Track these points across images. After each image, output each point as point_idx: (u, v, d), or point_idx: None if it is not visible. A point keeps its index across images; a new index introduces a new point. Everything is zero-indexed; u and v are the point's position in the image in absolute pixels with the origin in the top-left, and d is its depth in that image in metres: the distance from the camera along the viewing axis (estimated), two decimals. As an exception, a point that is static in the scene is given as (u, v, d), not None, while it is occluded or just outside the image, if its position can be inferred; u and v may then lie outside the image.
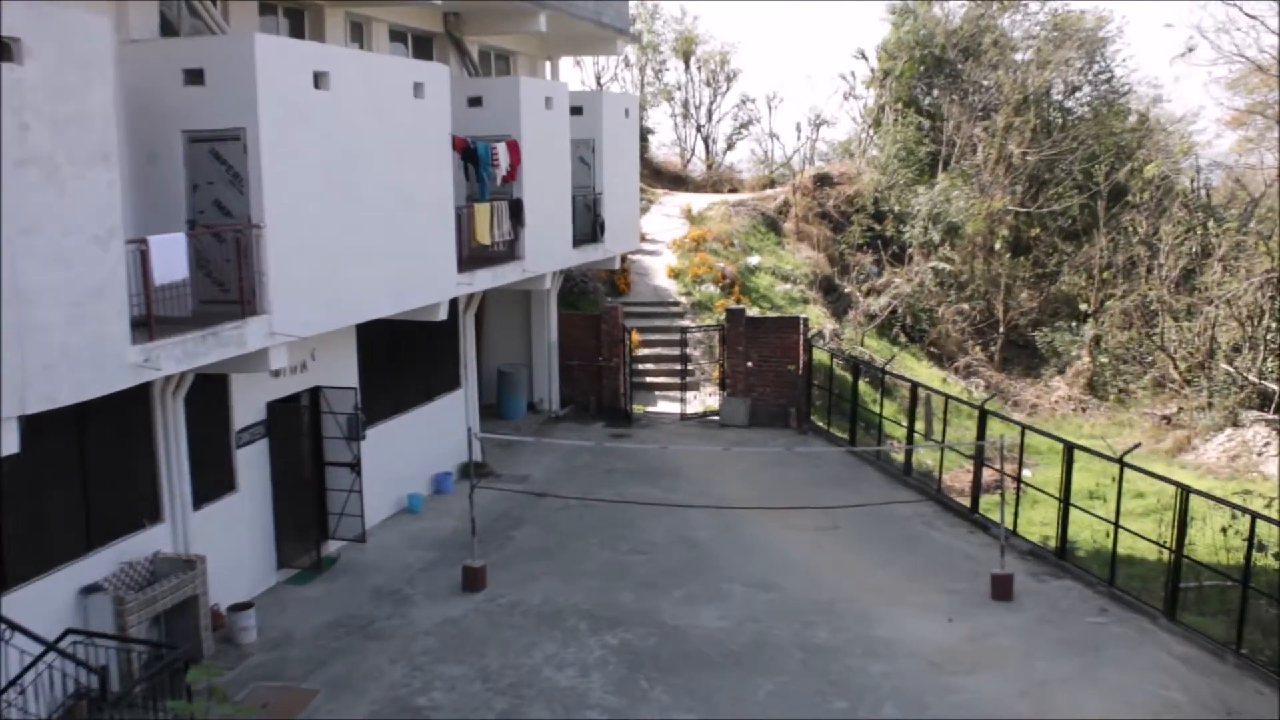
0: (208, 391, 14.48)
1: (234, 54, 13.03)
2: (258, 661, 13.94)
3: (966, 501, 20.15)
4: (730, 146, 52.89)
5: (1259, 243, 34.83)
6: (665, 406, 26.97)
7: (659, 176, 47.01)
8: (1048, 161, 40.81)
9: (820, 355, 26.58)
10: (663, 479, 21.58)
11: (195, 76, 13.08)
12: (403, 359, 19.65)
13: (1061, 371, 36.61)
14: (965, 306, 38.64)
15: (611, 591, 16.25)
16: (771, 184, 46.64)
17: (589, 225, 24.65)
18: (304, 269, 14.04)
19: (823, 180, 42.24)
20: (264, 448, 15.84)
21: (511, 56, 25.17)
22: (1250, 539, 14.49)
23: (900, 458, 22.56)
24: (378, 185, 15.77)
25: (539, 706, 12.94)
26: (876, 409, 24.37)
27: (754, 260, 34.37)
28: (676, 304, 30.62)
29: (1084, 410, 34.34)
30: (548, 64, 26.79)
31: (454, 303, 19.91)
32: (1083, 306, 38.24)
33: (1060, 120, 43.14)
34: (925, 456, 24.37)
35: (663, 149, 52.59)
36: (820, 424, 25.28)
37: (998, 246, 39.38)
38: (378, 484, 18.16)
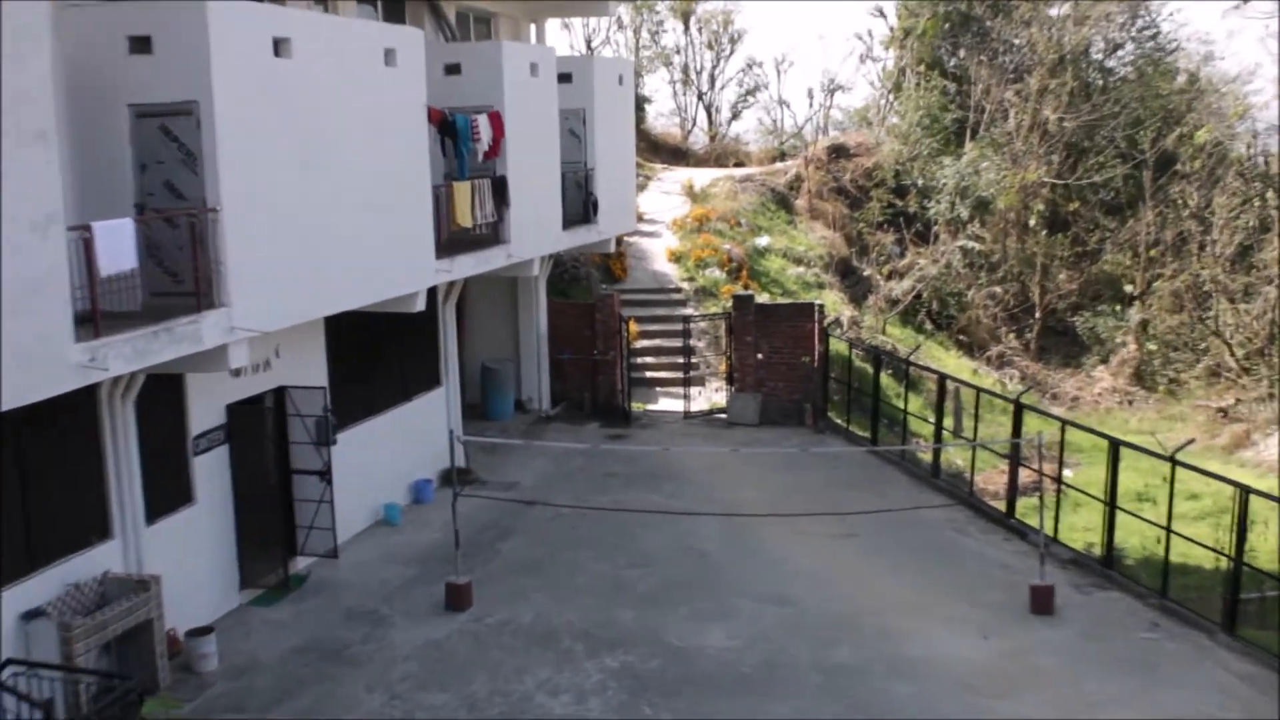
0: (161, 393, 14.44)
1: (184, 18, 12.95)
2: (220, 692, 13.93)
3: (1001, 505, 20.15)
4: (735, 116, 52.99)
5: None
6: (667, 404, 26.95)
7: (657, 150, 47.00)
8: (1087, 128, 40.74)
9: (838, 345, 26.57)
10: (665, 484, 21.58)
11: (141, 44, 13.02)
12: (377, 355, 19.62)
13: (1105, 360, 36.63)
14: (997, 290, 38.66)
15: (610, 609, 16.24)
16: (781, 157, 46.63)
17: (580, 205, 24.60)
18: (266, 257, 14.00)
19: (838, 152, 42.21)
20: (224, 455, 15.81)
21: (492, 19, 25.13)
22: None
23: (927, 458, 22.55)
24: (346, 163, 15.73)
25: (531, 737, 12.95)
26: (900, 404, 24.36)
27: (763, 241, 34.36)
28: (678, 290, 30.59)
29: (1130, 403, 34.37)
30: (533, 27, 26.74)
31: (432, 292, 19.89)
32: (1128, 288, 38.26)
33: (1101, 82, 43.07)
34: (955, 456, 24.37)
35: (661, 119, 52.64)
36: (838, 421, 25.26)
37: (1033, 223, 39.39)
38: (351, 493, 18.14)
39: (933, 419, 22.19)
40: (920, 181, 40.01)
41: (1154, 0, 44.17)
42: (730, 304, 26.87)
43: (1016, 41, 43.01)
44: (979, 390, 23.20)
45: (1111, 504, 17.22)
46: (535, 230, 21.95)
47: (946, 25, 44.05)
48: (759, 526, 19.00)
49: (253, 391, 16.34)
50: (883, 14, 46.79)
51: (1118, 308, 37.66)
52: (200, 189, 13.14)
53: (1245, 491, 15.06)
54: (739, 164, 46.09)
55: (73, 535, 13.32)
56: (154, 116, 13.11)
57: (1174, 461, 16.14)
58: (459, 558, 16.46)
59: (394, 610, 16.22)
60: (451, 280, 20.11)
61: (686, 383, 26.63)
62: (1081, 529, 19.45)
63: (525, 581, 17.18)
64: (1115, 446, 17.25)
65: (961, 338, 37.28)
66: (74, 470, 13.37)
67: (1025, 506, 19.76)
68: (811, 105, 59.25)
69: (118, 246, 12.07)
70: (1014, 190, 38.72)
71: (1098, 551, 17.77)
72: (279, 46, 14.13)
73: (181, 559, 14.78)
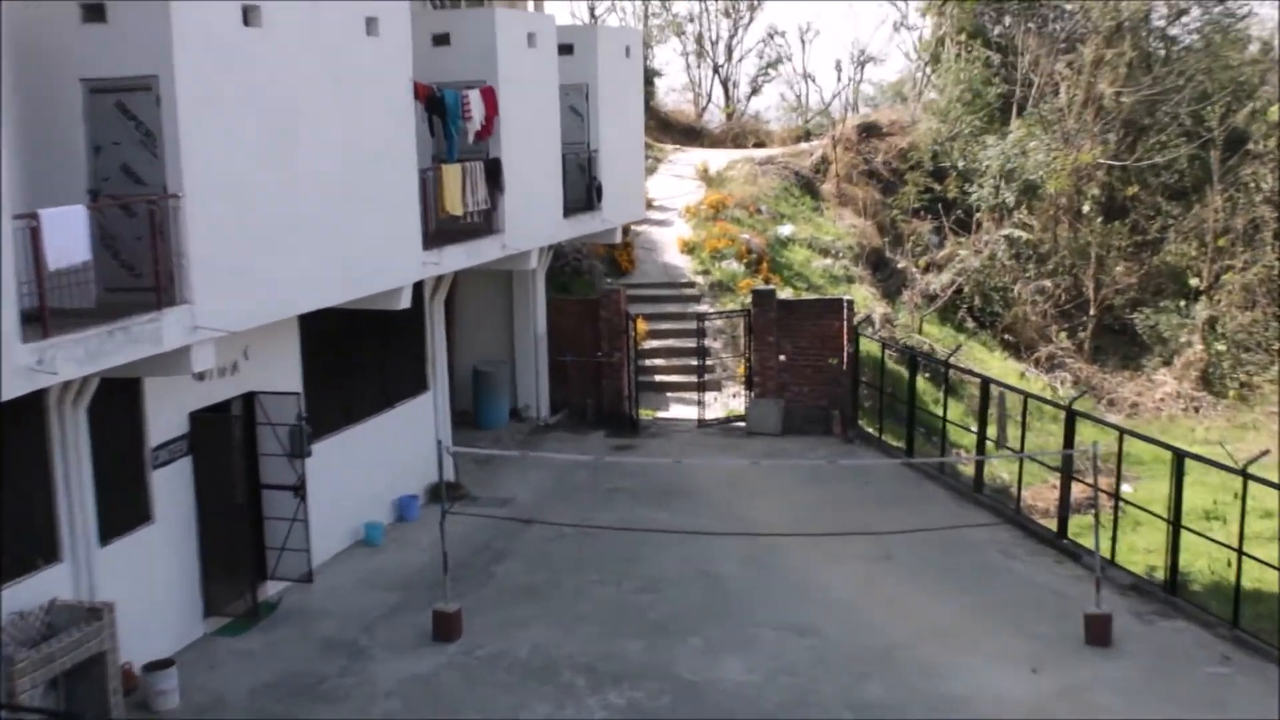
0: (116, 400, 14.42)
1: (142, -17, 12.99)
2: (182, 731, 13.93)
3: (1052, 524, 20.09)
4: (755, 91, 52.98)
5: None
6: (679, 411, 26.92)
7: (668, 129, 47.01)
8: (1148, 103, 40.59)
9: (869, 346, 26.53)
10: (677, 500, 21.54)
11: (94, 13, 13.01)
12: (357, 358, 19.61)
13: (1168, 362, 36.51)
14: (1047, 284, 38.55)
15: (615, 639, 16.21)
16: (806, 136, 46.63)
17: (583, 190, 24.59)
18: (234, 248, 13.99)
19: (869, 131, 42.18)
20: (187, 468, 15.79)
21: (485, -17, 25.16)
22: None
23: (969, 471, 22.50)
24: (324, 144, 15.71)
25: (528, 783, 12.92)
26: (939, 411, 24.31)
27: (786, 230, 34.34)
28: (691, 285, 30.58)
29: (1197, 410, 34.25)
30: (530, -9, 26.77)
31: (419, 287, 19.86)
32: (1193, 282, 38.10)
33: (1163, 52, 42.95)
34: (1000, 469, 24.31)
35: (672, 95, 52.69)
36: (870, 431, 25.21)
37: (1086, 209, 39.27)
38: (327, 511, 18.11)
39: (975, 428, 22.15)
40: (961, 163, 39.91)
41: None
42: (749, 300, 26.83)
43: (1068, 7, 42.92)
44: (1027, 396, 23.11)
45: (1176, 523, 17.15)
46: (533, 218, 21.92)
47: (990, -11, 44.01)
48: (781, 548, 18.95)
49: (219, 398, 16.30)
50: (919, -23, 46.78)
51: (1182, 303, 37.49)
52: (161, 173, 13.12)
53: (1326, 509, 15.01)
54: (759, 144, 46.07)
55: (16, 558, 13.27)
56: (109, 92, 13.11)
57: (1246, 475, 16.07)
58: (448, 582, 16.42)
59: (375, 641, 16.19)
60: (440, 274, 20.08)
61: (701, 387, 26.60)
62: (1142, 550, 19.40)
63: (522, 609, 17.15)
64: (1180, 458, 17.18)
65: (1007, 337, 37.19)
66: (18, 485, 13.33)
67: (1079, 525, 19.71)
68: (839, 79, 59.03)
69: (68, 237, 12.05)
70: (1065, 173, 38.59)
71: (1160, 576, 17.70)
72: (248, 14, 14.11)
73: (138, 584, 14.75)
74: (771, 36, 51.84)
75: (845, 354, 25.46)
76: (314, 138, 15.51)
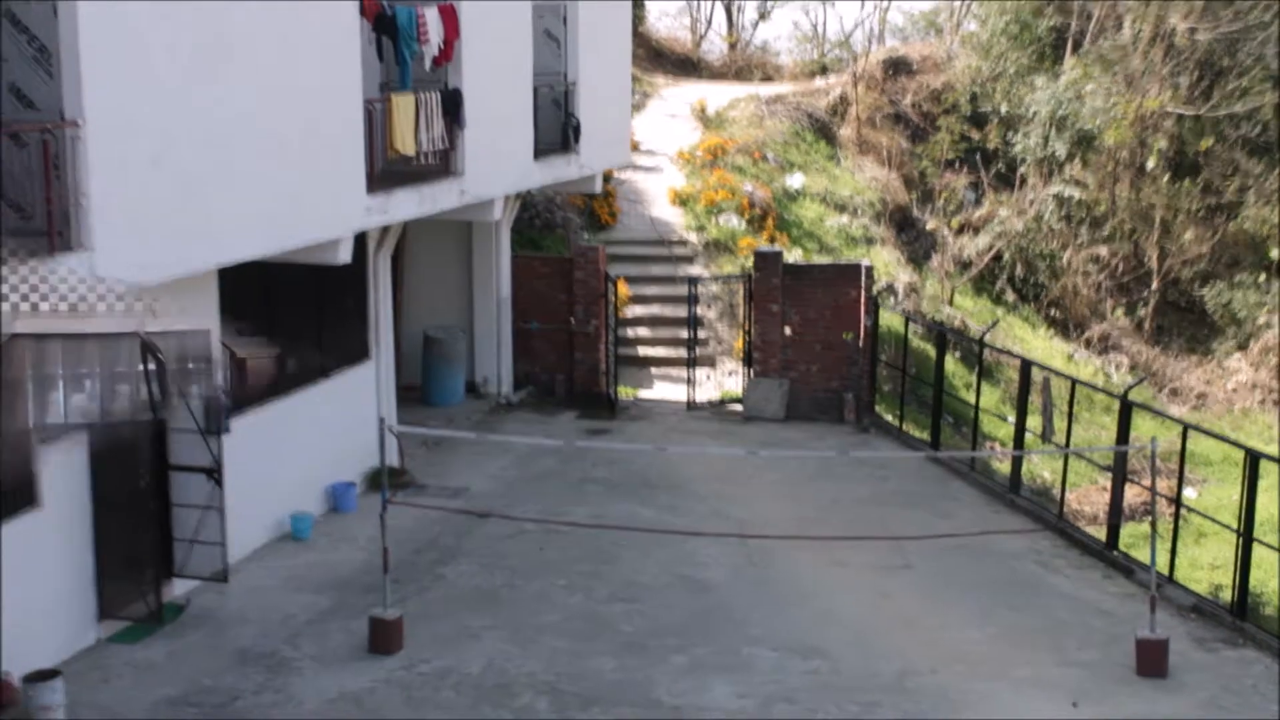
0: None
1: None
2: (70, 754, 13.94)
3: (1101, 533, 20.16)
4: (763, 17, 52.90)
5: None
6: (665, 390, 26.97)
7: (660, 59, 46.99)
8: (1227, 41, 40.53)
9: (890, 319, 26.59)
10: (660, 494, 21.59)
11: (-21, -99, 12.97)
12: (286, 319, 19.59)
13: (1242, 347, 36.64)
14: (1102, 251, 38.66)
15: (584, 656, 16.24)
16: (823, 72, 46.60)
17: (558, 129, 24.56)
18: (142, 187, 13.91)
19: (897, 67, 42.20)
20: (81, 445, 15.75)
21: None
22: None
23: (1005, 468, 22.57)
24: (251, 69, 15.62)
25: (477, 823, 12.97)
26: (971, 398, 24.37)
27: (796, 181, 34.36)
28: (683, 244, 30.59)
29: (1275, 403, 34.38)
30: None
31: (361, 239, 19.81)
32: (1275, 253, 38.22)
33: (1247, -19, 43.01)
34: (1042, 467, 24.41)
35: (666, 20, 52.64)
36: (888, 419, 25.27)
37: (1151, 164, 39.32)
38: (247, 498, 18.08)
39: (1013, 418, 22.21)
40: (1004, 108, 39.95)
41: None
42: (750, 263, 26.85)
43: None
44: (1075, 382, 23.16)
45: (1247, 535, 17.21)
46: (497, 160, 21.88)
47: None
48: (781, 552, 19.00)
49: (121, 363, 16.29)
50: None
51: (1261, 278, 37.59)
52: (57, 97, 13.04)
53: None
54: (766, 80, 46.07)
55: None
56: (-5, -3, 13.06)
57: (1327, 480, 16.16)
58: (388, 585, 16.44)
59: (300, 652, 16.19)
60: (386, 224, 20.04)
61: (691, 364, 26.64)
62: (1206, 566, 19.50)
63: (474, 618, 17.17)
64: (1254, 460, 17.23)
65: (1053, 313, 37.32)
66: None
67: (1132, 535, 19.80)
68: (863, 5, 59.13)
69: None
70: (1128, 122, 38.63)
71: (1226, 596, 17.77)
72: (163, -91, 14.06)
73: (20, 581, 14.68)
74: (784, -49, 51.87)
75: (862, 328, 25.50)
76: (241, 60, 15.42)
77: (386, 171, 19.31)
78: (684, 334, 27.07)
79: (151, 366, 14.60)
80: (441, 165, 20.69)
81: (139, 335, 14.15)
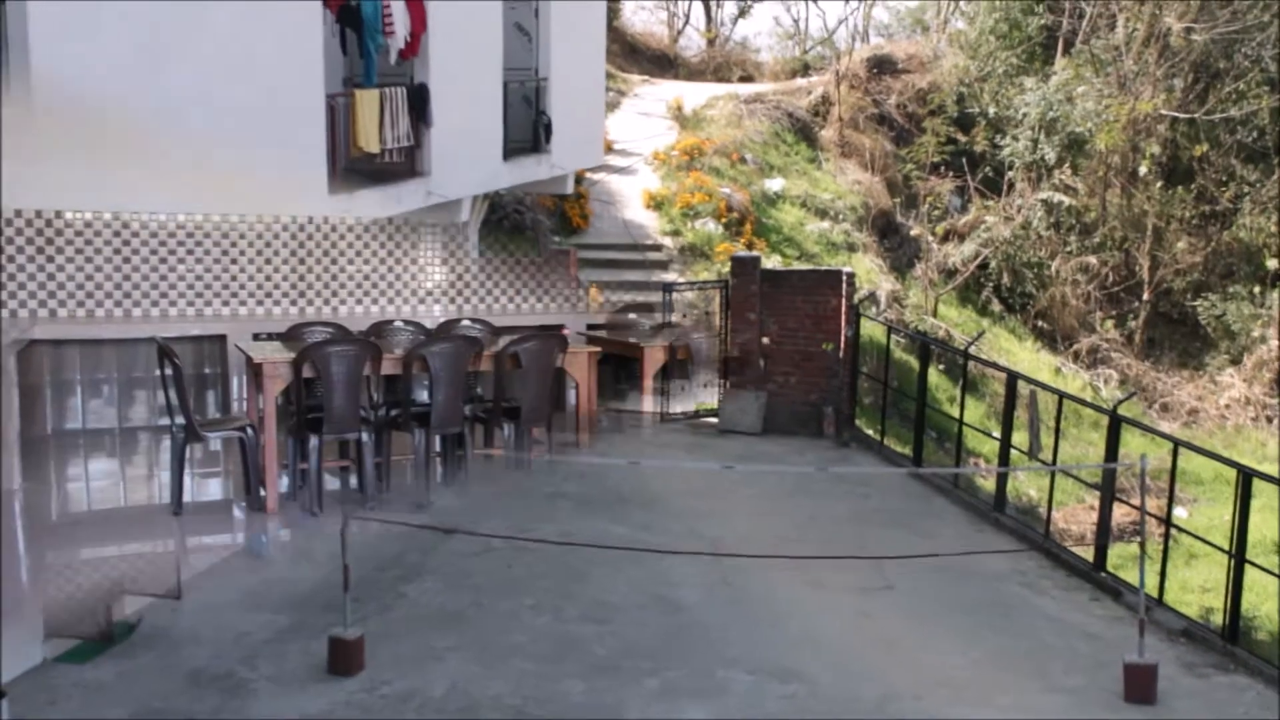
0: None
1: None
2: (13, 779, 13.90)
3: (1088, 553, 20.21)
4: (743, 13, 53.04)
5: None
6: (637, 401, 26.95)
7: (635, 56, 47.04)
8: (1224, 42, 40.77)
9: (872, 329, 26.64)
10: (632, 511, 21.57)
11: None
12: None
13: (1236, 361, 36.82)
14: (1092, 260, 38.82)
15: (552, 678, 16.21)
16: (804, 71, 46.78)
17: (528, 127, 24.57)
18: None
19: (881, 66, 42.32)
20: (28, 454, 15.76)
21: None
22: None
23: (990, 485, 22.63)
24: (206, 59, 15.64)
25: None
26: (955, 412, 24.42)
27: (775, 185, 34.43)
28: (658, 248, 30.61)
29: (1269, 419, 34.55)
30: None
31: (321, 239, 19.85)
32: (1271, 264, 38.41)
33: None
34: (1028, 484, 24.48)
35: (642, 14, 52.81)
36: (869, 433, 25.32)
37: (1144, 170, 39.53)
38: (201, 512, 18.11)
39: (998, 433, 22.27)
40: (992, 110, 40.11)
41: None
42: (728, 269, 26.89)
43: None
44: (1063, 396, 23.25)
45: (1240, 556, 17.28)
46: (466, 160, 21.90)
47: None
48: (758, 572, 19.01)
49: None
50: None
51: (1256, 290, 37.81)
52: None
53: None
54: (746, 79, 46.18)
55: None
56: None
57: (1323, 500, 16.25)
58: (348, 603, 16.39)
59: (257, 673, 16.14)
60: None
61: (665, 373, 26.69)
62: (1197, 589, 19.56)
63: (438, 638, 17.14)
64: (1246, 478, 17.29)
65: (1041, 324, 37.45)
66: None
67: (1121, 556, 19.86)
68: (847, 1, 59.31)
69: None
70: (1120, 125, 38.82)
71: (1218, 620, 17.85)
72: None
73: (-35, 595, 14.71)
74: (766, -55, 52.02)
75: (843, 338, 25.55)
76: (193, 51, 15.44)
77: (349, 170, 19.32)
78: (658, 342, 27.14)
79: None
80: (407, 164, 20.68)
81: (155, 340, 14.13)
